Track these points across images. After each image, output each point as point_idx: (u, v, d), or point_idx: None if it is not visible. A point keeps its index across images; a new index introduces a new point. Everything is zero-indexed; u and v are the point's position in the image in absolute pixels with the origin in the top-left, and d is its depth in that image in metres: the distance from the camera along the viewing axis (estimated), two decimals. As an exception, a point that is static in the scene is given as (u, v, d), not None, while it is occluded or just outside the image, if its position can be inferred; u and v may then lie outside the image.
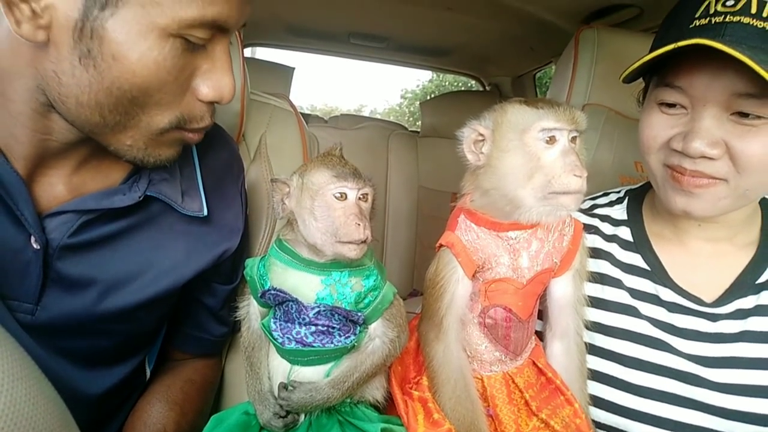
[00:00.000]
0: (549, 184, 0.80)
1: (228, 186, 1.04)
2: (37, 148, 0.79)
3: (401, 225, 2.75)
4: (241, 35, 1.25)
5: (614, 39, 1.46)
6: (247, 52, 3.44)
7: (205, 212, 0.95)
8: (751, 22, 0.80)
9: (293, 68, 2.75)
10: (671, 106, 0.90)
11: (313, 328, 0.85)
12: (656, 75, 0.95)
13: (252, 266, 0.89)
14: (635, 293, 1.01)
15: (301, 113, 1.47)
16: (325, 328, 0.85)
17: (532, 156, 0.81)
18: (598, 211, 1.12)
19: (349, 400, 0.90)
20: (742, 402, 0.91)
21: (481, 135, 0.88)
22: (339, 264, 0.85)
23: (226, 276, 1.05)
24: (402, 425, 0.89)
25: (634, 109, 1.41)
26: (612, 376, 0.98)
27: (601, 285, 1.03)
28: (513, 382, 0.92)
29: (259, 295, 0.88)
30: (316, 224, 0.82)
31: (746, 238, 1.00)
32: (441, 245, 0.91)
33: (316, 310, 0.83)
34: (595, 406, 0.98)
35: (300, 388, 0.84)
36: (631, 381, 0.97)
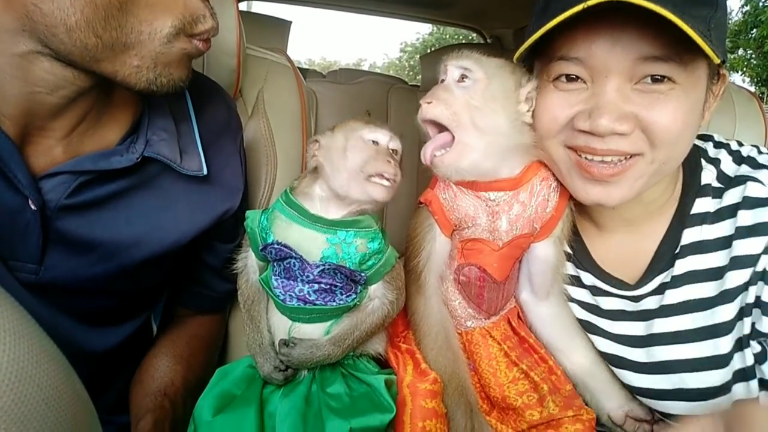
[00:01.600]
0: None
1: (227, 144, 1.03)
2: (27, 106, 0.77)
3: (402, 182, 2.74)
4: (235, -13, 1.21)
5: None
6: (243, 5, 3.36)
7: (205, 171, 0.94)
8: None
9: (290, 22, 2.69)
10: (570, 80, 0.83)
11: (316, 286, 0.85)
12: (542, 51, 0.87)
13: (253, 218, 0.89)
14: (563, 277, 0.99)
15: (299, 68, 1.44)
16: (328, 286, 0.85)
17: None
18: None
19: (351, 353, 0.91)
20: (663, 380, 0.90)
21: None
22: (346, 222, 0.85)
23: (228, 235, 1.05)
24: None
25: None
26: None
27: None
28: (490, 335, 0.94)
29: (260, 248, 0.87)
30: (346, 163, 0.83)
31: (664, 206, 0.95)
32: (420, 202, 0.92)
33: (321, 268, 0.84)
34: None
35: (300, 345, 0.85)
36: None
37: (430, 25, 15.19)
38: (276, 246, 0.85)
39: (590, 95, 0.81)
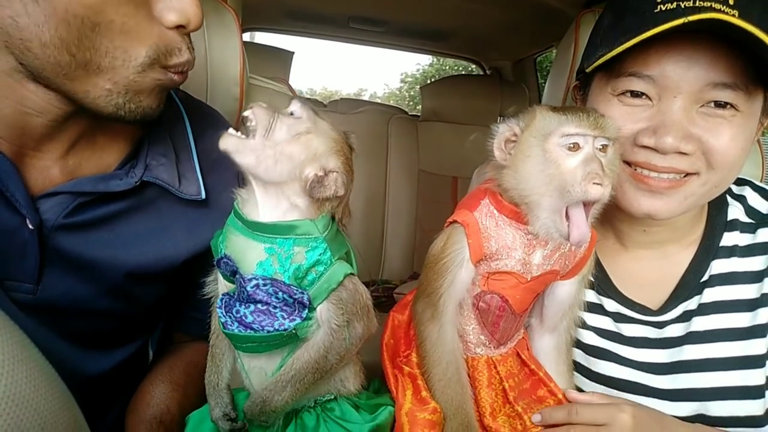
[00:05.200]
0: (567, 192, 0.76)
1: (225, 169, 1.04)
2: (20, 126, 0.78)
3: (401, 209, 2.75)
4: (239, 20, 1.24)
5: (615, 22, 1.45)
6: (246, 36, 3.42)
7: (203, 195, 0.95)
8: (722, 8, 0.76)
9: (292, 52, 2.73)
10: (634, 96, 0.85)
11: (252, 307, 0.76)
12: (608, 65, 0.88)
13: (217, 234, 0.84)
14: (585, 304, 0.98)
15: (301, 98, 1.46)
16: (265, 307, 0.76)
17: (552, 162, 0.77)
18: None
19: (328, 396, 0.86)
20: (690, 407, 0.90)
21: (515, 135, 0.83)
22: (281, 228, 0.77)
23: (224, 259, 1.05)
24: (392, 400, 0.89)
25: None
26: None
27: None
28: (495, 368, 0.92)
29: (216, 263, 0.82)
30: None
31: (690, 236, 0.98)
32: (454, 221, 0.87)
33: (254, 282, 0.75)
34: None
35: (249, 400, 0.80)
36: (583, 390, 0.97)
37: (430, 57, 15.37)
38: (224, 259, 0.79)
39: (655, 112, 0.83)
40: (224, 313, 0.78)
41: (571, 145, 0.77)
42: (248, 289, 0.75)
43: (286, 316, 0.76)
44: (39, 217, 0.81)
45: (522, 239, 0.85)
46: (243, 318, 0.76)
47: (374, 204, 2.73)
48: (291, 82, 2.47)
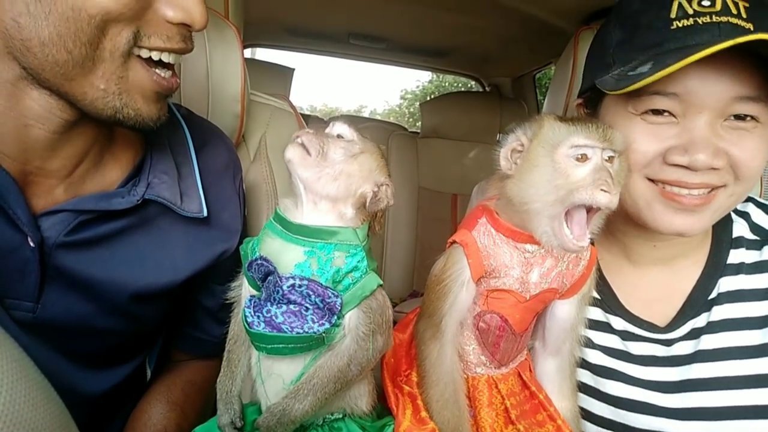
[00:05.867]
0: (571, 195, 0.76)
1: (226, 186, 1.04)
2: (23, 141, 0.78)
3: (401, 226, 2.75)
4: (241, 36, 1.25)
5: (614, 39, 1.46)
6: (247, 53, 3.45)
7: (205, 213, 0.95)
8: (738, 23, 0.77)
9: (293, 69, 2.75)
10: (656, 114, 0.84)
11: (285, 308, 0.77)
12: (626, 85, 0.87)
13: (248, 242, 0.85)
14: (587, 323, 0.97)
15: (301, 114, 1.47)
16: (298, 308, 0.77)
17: (561, 173, 0.78)
18: None
19: (336, 415, 0.86)
20: (700, 427, 0.89)
21: (522, 145, 0.83)
22: (324, 233, 0.80)
23: (224, 277, 1.05)
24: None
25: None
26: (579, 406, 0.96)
27: None
28: (496, 387, 0.91)
29: (246, 267, 0.83)
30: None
31: (698, 253, 0.97)
32: (454, 242, 0.88)
33: (291, 282, 0.77)
34: None
35: (266, 411, 0.79)
36: (591, 410, 0.96)
37: (430, 73, 15.49)
38: (258, 261, 0.80)
39: (681, 130, 0.83)
40: (252, 313, 0.78)
41: (580, 156, 0.77)
42: (284, 287, 0.77)
43: (316, 320, 0.77)
44: (40, 234, 0.81)
45: (519, 257, 0.85)
46: (273, 318, 0.77)
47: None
48: (291, 98, 2.49)
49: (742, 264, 0.94)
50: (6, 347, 0.42)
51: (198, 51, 1.19)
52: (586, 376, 0.98)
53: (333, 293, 0.77)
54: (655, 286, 0.97)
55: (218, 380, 0.86)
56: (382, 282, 0.81)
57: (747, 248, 0.95)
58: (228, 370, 0.86)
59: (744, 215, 0.99)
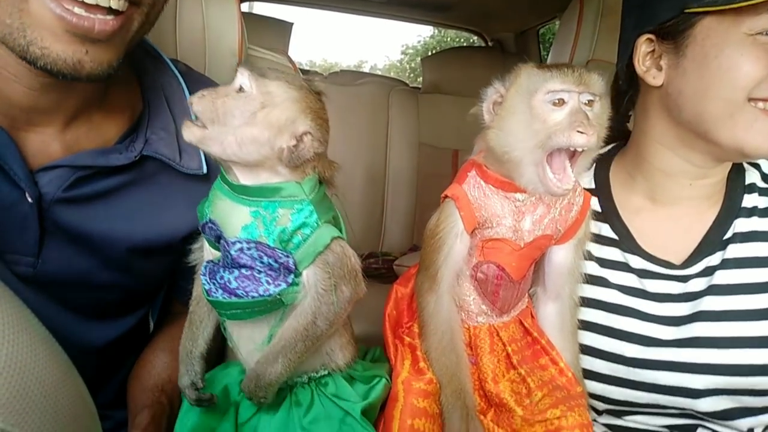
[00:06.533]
0: (549, 139, 0.78)
1: None
2: (7, 96, 0.77)
3: (402, 181, 2.75)
4: (238, -12, 1.22)
5: (620, -7, 1.42)
6: (245, 7, 3.37)
7: (205, 170, 0.95)
8: None
9: (292, 23, 2.69)
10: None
11: (237, 272, 0.75)
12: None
13: (203, 201, 0.81)
14: (603, 263, 1.01)
15: (300, 69, 1.45)
16: (250, 272, 0.74)
17: (539, 118, 0.79)
18: None
19: (322, 372, 0.85)
20: (710, 355, 0.92)
21: (501, 96, 0.85)
22: (266, 190, 0.75)
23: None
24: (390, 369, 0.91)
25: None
26: (585, 345, 0.99)
27: None
28: (497, 334, 0.94)
29: (201, 228, 0.80)
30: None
31: (717, 195, 1.01)
32: (446, 196, 0.90)
33: (238, 246, 0.73)
34: None
35: (245, 378, 0.78)
36: (604, 348, 0.98)
37: (431, 28, 15.15)
38: (208, 224, 0.77)
39: None
40: (208, 280, 0.76)
41: (557, 101, 0.79)
42: (232, 252, 0.74)
43: (271, 281, 0.74)
44: (38, 190, 0.81)
45: (510, 207, 0.87)
46: (227, 284, 0.75)
47: (374, 176, 2.72)
48: (290, 53, 2.44)
49: (755, 207, 0.99)
50: (7, 301, 0.42)
51: (194, 6, 1.17)
52: (598, 316, 1.00)
53: (283, 253, 0.73)
54: (673, 227, 1.00)
55: (181, 341, 0.85)
56: (337, 233, 0.76)
57: (759, 194, 1.00)
58: (189, 331, 0.85)
59: (756, 166, 1.03)
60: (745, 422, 0.94)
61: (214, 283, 0.75)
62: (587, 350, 0.99)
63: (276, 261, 0.74)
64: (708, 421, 0.97)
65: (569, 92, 0.79)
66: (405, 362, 0.91)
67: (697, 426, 0.98)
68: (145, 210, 0.91)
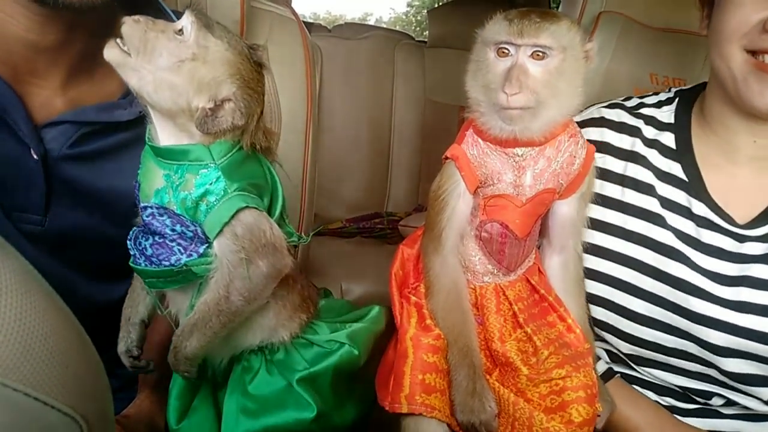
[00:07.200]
0: (491, 97, 0.81)
1: None
2: (5, 42, 0.76)
3: (407, 138, 2.72)
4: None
5: (636, -60, 1.37)
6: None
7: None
8: None
9: (295, -27, 2.62)
10: None
11: (151, 239, 0.72)
12: None
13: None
14: (666, 202, 0.98)
15: (304, 21, 1.41)
16: (162, 239, 0.71)
17: (485, 68, 0.83)
18: (644, 111, 1.06)
19: (261, 343, 0.82)
20: (753, 320, 0.91)
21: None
22: (176, 153, 0.71)
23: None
24: (357, 350, 0.89)
25: (653, 17, 1.34)
26: (624, 281, 0.98)
27: (628, 188, 1.01)
28: (504, 294, 0.94)
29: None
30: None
31: None
32: (446, 157, 0.90)
33: (150, 211, 0.71)
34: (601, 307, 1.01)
35: (170, 351, 0.75)
36: (645, 288, 0.97)
37: (438, -21, 14.76)
38: (135, 183, 0.74)
39: None
40: (132, 245, 0.74)
41: (502, 51, 0.81)
42: (144, 217, 0.71)
43: (183, 251, 0.71)
44: (43, 147, 0.80)
45: (509, 162, 0.87)
46: (144, 250, 0.72)
47: (379, 133, 2.69)
48: (294, 5, 2.39)
49: None
50: (12, 260, 0.42)
51: (193, -47, 1.13)
52: (647, 254, 0.98)
53: (189, 221, 0.70)
54: (744, 184, 0.97)
55: (123, 308, 0.84)
56: (246, 203, 0.70)
57: None
58: (130, 298, 0.84)
59: None
60: (765, 391, 0.93)
61: (137, 250, 0.73)
62: (624, 286, 0.99)
63: (187, 229, 0.70)
64: (727, 388, 0.96)
65: (511, 45, 0.80)
66: (412, 320, 0.92)
67: (713, 394, 0.98)
68: None
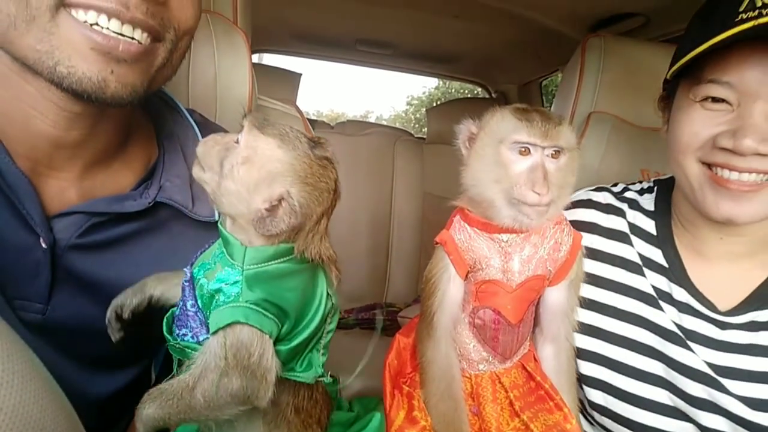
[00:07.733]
0: (512, 190, 0.82)
1: None
2: (30, 136, 0.78)
3: (406, 231, 2.75)
4: (249, 41, 1.25)
5: (621, 47, 1.46)
6: (255, 58, 3.46)
7: (217, 217, 0.95)
8: None
9: (300, 74, 2.76)
10: (716, 101, 0.86)
11: (181, 303, 0.74)
12: (690, 73, 0.90)
13: None
14: (653, 287, 0.99)
15: (308, 119, 1.47)
16: (184, 307, 0.73)
17: (503, 165, 0.83)
18: (628, 194, 1.09)
19: None
20: (745, 410, 0.88)
21: (473, 134, 0.89)
22: (224, 239, 0.72)
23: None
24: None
25: (641, 118, 1.40)
26: (619, 362, 0.97)
27: (619, 268, 1.01)
28: (499, 381, 0.93)
29: None
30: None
31: (765, 254, 0.97)
32: (437, 242, 0.92)
33: (186, 275, 0.74)
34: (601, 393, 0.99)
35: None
36: (646, 370, 0.96)
37: (436, 79, 15.50)
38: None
39: (735, 117, 0.84)
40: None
41: (522, 150, 0.82)
42: (183, 283, 0.74)
43: (190, 330, 0.72)
44: (53, 236, 0.81)
45: (496, 247, 0.88)
46: (183, 310, 0.74)
47: (379, 226, 2.73)
48: (299, 103, 2.49)
49: None
50: (17, 347, 0.42)
51: (206, 56, 1.20)
52: (644, 336, 0.97)
53: (192, 304, 0.71)
54: (725, 273, 0.97)
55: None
56: (241, 319, 0.67)
57: None
58: (157, 278, 0.85)
59: None
60: None
61: (177, 325, 0.75)
62: (624, 369, 0.97)
63: (199, 312, 0.71)
64: None
65: (534, 145, 0.82)
66: (401, 412, 0.91)
67: None
68: (157, 258, 0.91)
